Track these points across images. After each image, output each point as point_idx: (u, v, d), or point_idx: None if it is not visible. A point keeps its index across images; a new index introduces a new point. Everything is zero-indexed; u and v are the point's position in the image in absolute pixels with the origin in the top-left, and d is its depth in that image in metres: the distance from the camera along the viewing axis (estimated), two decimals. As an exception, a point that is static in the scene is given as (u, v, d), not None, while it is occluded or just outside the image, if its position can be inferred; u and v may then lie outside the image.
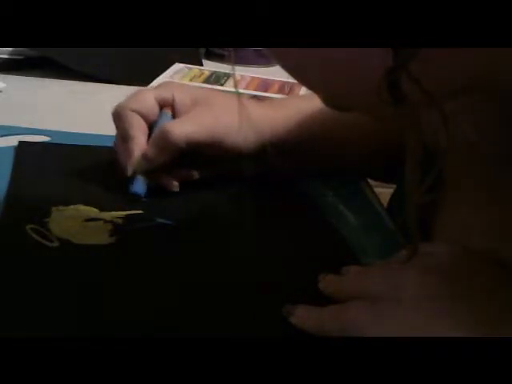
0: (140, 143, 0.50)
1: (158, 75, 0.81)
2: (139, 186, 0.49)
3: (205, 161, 0.52)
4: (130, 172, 0.49)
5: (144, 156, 0.49)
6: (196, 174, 0.52)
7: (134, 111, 0.51)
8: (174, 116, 0.53)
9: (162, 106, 0.53)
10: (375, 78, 0.28)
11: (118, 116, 0.51)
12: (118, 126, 0.52)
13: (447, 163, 0.43)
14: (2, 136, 0.59)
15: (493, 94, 0.36)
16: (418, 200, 0.30)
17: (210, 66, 0.91)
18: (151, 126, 0.52)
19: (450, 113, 0.29)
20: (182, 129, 0.49)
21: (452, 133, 0.30)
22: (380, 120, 0.44)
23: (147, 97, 0.52)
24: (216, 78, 0.84)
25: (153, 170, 0.50)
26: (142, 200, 0.49)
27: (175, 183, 0.51)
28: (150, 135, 0.51)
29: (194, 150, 0.50)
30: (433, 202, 0.46)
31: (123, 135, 0.51)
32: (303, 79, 0.34)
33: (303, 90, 0.76)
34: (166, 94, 0.53)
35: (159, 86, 0.57)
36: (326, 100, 0.36)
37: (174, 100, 0.53)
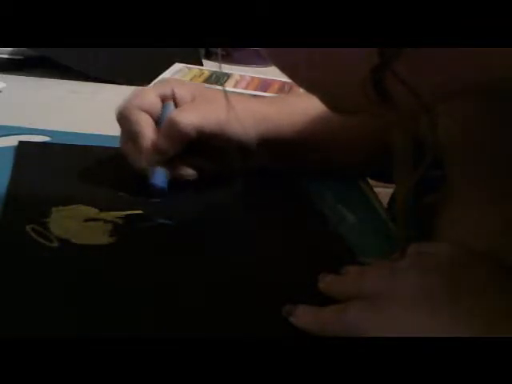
0: (150, 138, 0.50)
1: (158, 75, 0.81)
2: (160, 178, 0.49)
3: (209, 153, 0.52)
4: (143, 165, 0.50)
5: (156, 148, 0.49)
6: (205, 163, 0.52)
7: (138, 109, 0.51)
8: None
9: (163, 101, 0.53)
10: (363, 78, 0.28)
11: (123, 115, 0.51)
12: (123, 126, 0.52)
13: (449, 164, 0.44)
14: (1, 136, 0.59)
15: (493, 95, 0.37)
16: (407, 197, 0.31)
17: (210, 66, 0.91)
18: (156, 121, 0.52)
19: (450, 116, 0.29)
20: (190, 117, 0.50)
21: (453, 136, 0.30)
22: (377, 121, 0.44)
23: (149, 93, 0.53)
24: (216, 78, 0.84)
25: (166, 162, 0.50)
26: (164, 193, 0.49)
27: (191, 171, 0.51)
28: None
29: (200, 139, 0.50)
30: (435, 202, 0.46)
31: (131, 134, 0.51)
32: (298, 80, 0.34)
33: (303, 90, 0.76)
34: (166, 90, 0.53)
35: (158, 83, 0.57)
36: (324, 102, 0.36)
37: (174, 95, 0.53)
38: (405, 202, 0.31)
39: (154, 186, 0.49)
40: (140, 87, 0.56)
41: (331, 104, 0.36)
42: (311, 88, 0.35)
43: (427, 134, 0.30)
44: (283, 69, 0.33)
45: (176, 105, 0.53)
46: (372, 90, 0.28)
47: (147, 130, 0.50)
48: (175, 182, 0.50)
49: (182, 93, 0.53)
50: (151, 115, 0.52)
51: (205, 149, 0.52)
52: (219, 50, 0.90)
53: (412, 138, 0.30)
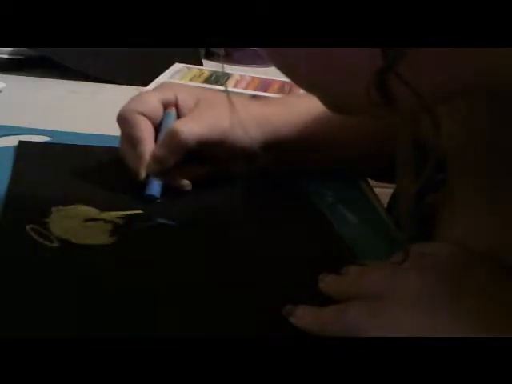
0: (149, 146, 0.50)
1: (158, 75, 0.81)
2: (155, 188, 0.49)
3: (211, 158, 0.52)
4: (143, 175, 0.49)
5: (155, 158, 0.49)
6: (205, 171, 0.52)
7: (139, 114, 0.51)
8: (178, 116, 0.53)
9: (166, 106, 0.53)
10: (367, 79, 0.28)
11: (124, 119, 0.51)
12: (124, 130, 0.52)
13: (449, 165, 0.44)
14: (1, 136, 0.59)
15: (492, 95, 0.37)
16: (409, 200, 0.31)
17: (209, 66, 0.91)
18: (156, 127, 0.52)
19: (449, 116, 0.29)
20: (191, 128, 0.49)
21: (453, 136, 0.30)
22: (377, 121, 0.45)
23: (151, 98, 0.52)
24: (216, 78, 0.84)
25: (164, 171, 0.50)
26: (157, 202, 0.49)
27: (187, 182, 0.51)
28: (155, 136, 0.51)
29: (201, 148, 0.50)
30: (435, 202, 0.46)
31: (131, 139, 0.51)
32: (298, 80, 0.34)
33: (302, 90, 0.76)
34: (169, 95, 0.53)
35: (160, 87, 0.57)
36: (324, 102, 0.36)
37: (177, 100, 0.53)
38: (408, 207, 0.31)
39: (148, 197, 0.49)
40: (143, 90, 0.56)
41: (332, 105, 0.36)
42: (311, 88, 0.35)
43: (429, 135, 0.30)
44: (283, 69, 0.33)
45: (178, 111, 0.53)
46: (376, 92, 0.28)
47: (147, 137, 0.50)
48: (168, 193, 0.50)
49: (184, 98, 0.53)
50: (152, 121, 0.52)
51: (207, 156, 0.52)
52: (222, 51, 0.90)
53: (413, 140, 0.30)
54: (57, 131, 0.61)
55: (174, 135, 0.49)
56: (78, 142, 0.59)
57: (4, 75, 0.77)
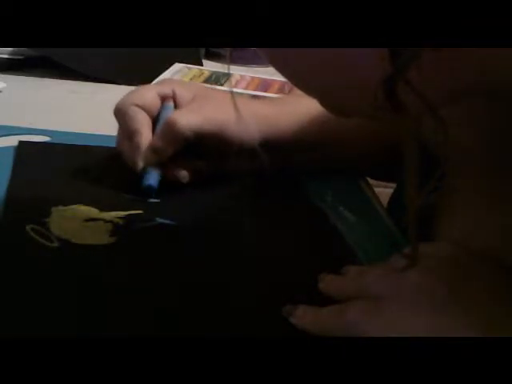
0: (146, 137, 0.50)
1: (158, 75, 0.80)
2: (152, 178, 0.49)
3: (209, 153, 0.52)
4: (140, 166, 0.49)
5: (152, 148, 0.49)
6: (203, 166, 0.52)
7: (136, 106, 0.51)
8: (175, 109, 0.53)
9: (163, 100, 0.53)
10: (372, 85, 0.28)
11: (121, 112, 0.51)
12: (121, 123, 0.52)
13: (449, 165, 0.44)
14: (1, 136, 0.59)
15: (492, 95, 0.37)
16: (417, 205, 0.31)
17: (209, 66, 0.91)
18: (154, 120, 0.52)
19: (449, 117, 0.29)
20: (188, 118, 0.50)
21: (453, 136, 0.30)
22: (378, 123, 0.45)
23: (148, 92, 0.53)
24: (216, 78, 0.84)
25: (161, 163, 0.50)
26: (155, 194, 0.49)
27: (184, 173, 0.51)
28: (153, 129, 0.51)
29: (199, 140, 0.50)
30: (436, 202, 0.46)
31: (128, 131, 0.51)
32: (300, 83, 0.34)
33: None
34: (167, 90, 0.53)
35: (159, 82, 0.57)
36: (324, 105, 0.36)
37: (174, 94, 0.53)
38: (416, 214, 0.31)
39: (145, 187, 0.49)
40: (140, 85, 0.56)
41: (332, 107, 0.36)
42: (312, 91, 0.34)
43: (431, 137, 0.30)
44: (284, 71, 0.33)
45: (176, 105, 0.53)
46: (383, 97, 0.28)
47: (144, 129, 0.50)
48: (170, 184, 0.50)
49: (182, 93, 0.53)
50: (149, 114, 0.52)
51: (204, 150, 0.52)
52: (228, 51, 0.90)
53: (421, 147, 0.30)
54: (57, 131, 0.61)
55: (171, 125, 0.49)
56: (77, 142, 0.59)
57: (4, 75, 0.77)
